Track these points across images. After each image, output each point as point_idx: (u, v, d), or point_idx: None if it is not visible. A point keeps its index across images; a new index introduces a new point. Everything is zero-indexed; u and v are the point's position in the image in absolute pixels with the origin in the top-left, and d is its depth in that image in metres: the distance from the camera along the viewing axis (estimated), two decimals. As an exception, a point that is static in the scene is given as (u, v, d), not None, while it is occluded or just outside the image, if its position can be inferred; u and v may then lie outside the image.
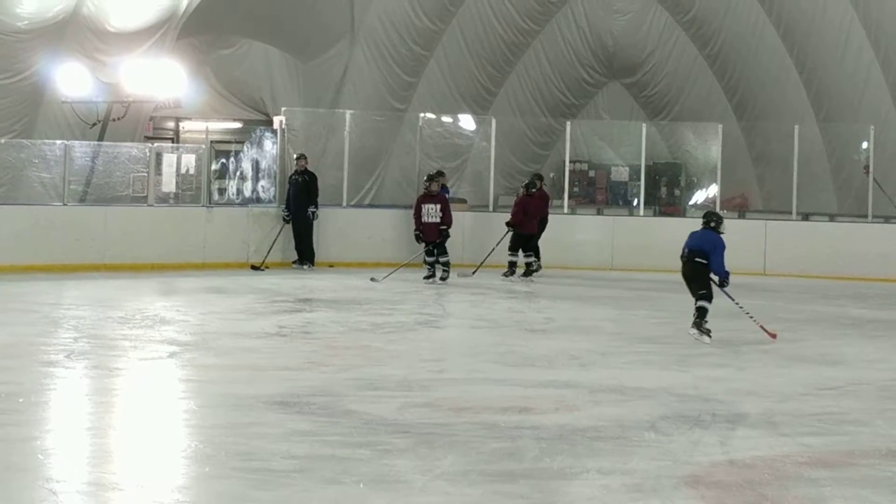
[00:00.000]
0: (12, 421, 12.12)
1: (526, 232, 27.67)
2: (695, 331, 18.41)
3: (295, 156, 28.54)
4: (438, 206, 26.57)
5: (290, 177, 29.03)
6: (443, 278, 26.43)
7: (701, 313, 18.53)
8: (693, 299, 18.63)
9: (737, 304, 19.47)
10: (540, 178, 29.48)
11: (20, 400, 13.17)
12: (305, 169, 28.42)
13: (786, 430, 11.74)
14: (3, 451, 10.83)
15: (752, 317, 19.55)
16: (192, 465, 10.56)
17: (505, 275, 27.53)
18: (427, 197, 26.99)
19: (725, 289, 19.18)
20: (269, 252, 28.01)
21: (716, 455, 10.61)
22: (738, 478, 9.78)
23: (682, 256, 19.34)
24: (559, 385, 14.23)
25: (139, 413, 13.32)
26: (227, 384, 14.43)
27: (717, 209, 30.93)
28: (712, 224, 19.71)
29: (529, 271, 27.48)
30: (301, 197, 28.27)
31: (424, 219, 26.34)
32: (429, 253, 26.35)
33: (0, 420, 12.05)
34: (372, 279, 25.72)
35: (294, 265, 28.01)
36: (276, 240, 28.34)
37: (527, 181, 28.80)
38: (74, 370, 15.88)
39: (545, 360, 16.01)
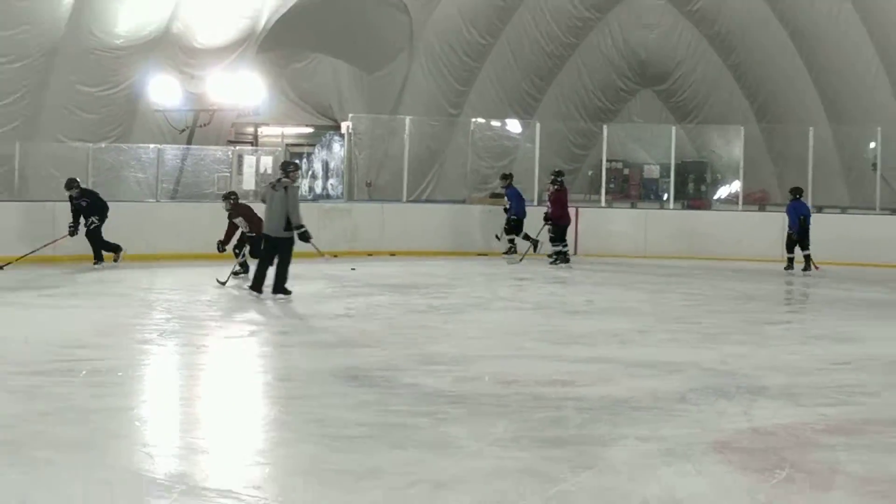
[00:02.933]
0: (112, 392, 12.50)
1: (564, 224, 28.09)
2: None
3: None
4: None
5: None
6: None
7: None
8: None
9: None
10: (561, 174, 29.37)
11: (119, 374, 13.47)
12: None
13: (804, 401, 11.92)
14: (105, 419, 11.10)
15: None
16: (272, 430, 10.98)
17: (556, 258, 27.73)
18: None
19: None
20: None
21: (740, 423, 10.73)
22: (761, 444, 9.93)
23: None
24: (599, 361, 14.25)
25: (224, 385, 13.69)
26: (301, 359, 14.70)
27: (740, 203, 32.47)
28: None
29: (567, 258, 27.77)
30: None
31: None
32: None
33: (101, 392, 12.43)
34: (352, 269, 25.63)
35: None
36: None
37: (553, 177, 28.74)
38: (166, 347, 16.17)
39: (586, 339, 16.15)
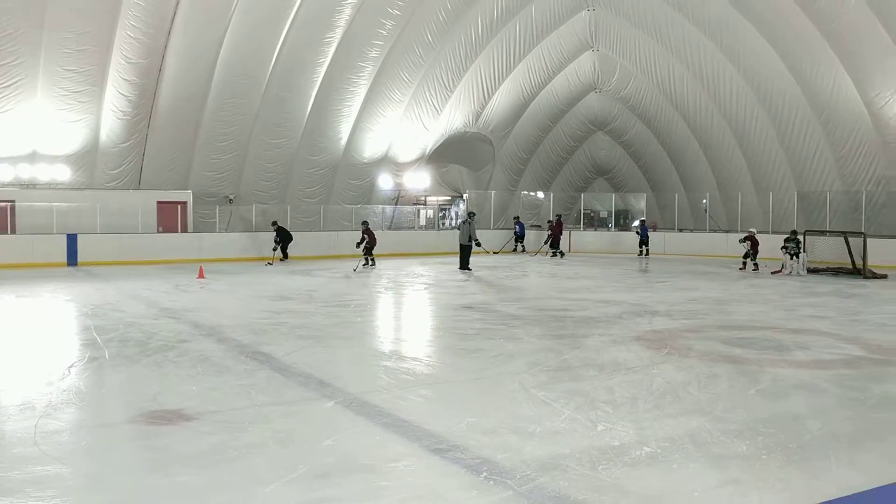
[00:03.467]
0: (364, 314, 12.63)
1: (558, 238, 27.21)
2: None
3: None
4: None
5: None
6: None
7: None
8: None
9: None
10: (559, 216, 29.07)
11: (367, 306, 13.70)
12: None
13: (675, 317, 11.60)
14: (362, 326, 11.50)
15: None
16: (431, 333, 10.99)
17: (554, 255, 26.62)
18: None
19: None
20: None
21: (646, 327, 10.58)
22: (656, 337, 9.81)
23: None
24: (581, 300, 13.91)
25: (413, 311, 13.66)
26: (446, 299, 14.54)
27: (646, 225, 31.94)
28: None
29: (560, 254, 26.65)
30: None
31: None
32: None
33: (359, 313, 12.57)
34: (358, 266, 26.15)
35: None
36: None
37: (556, 217, 28.44)
38: (387, 294, 15.78)
39: (574, 290, 15.73)
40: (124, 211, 23.62)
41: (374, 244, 21.52)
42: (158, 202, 24.96)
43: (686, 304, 13.43)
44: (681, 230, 30.67)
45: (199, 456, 5.04)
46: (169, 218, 24.78)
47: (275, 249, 22.72)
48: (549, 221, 29.01)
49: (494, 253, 26.03)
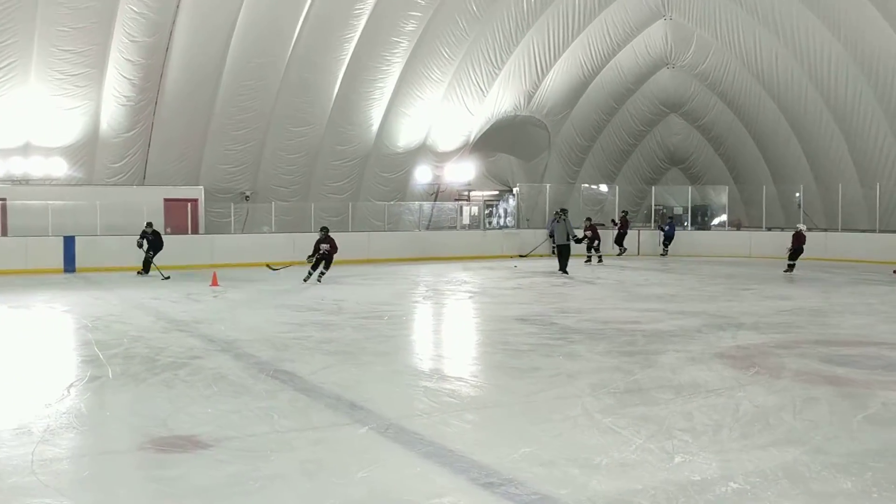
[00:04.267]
0: (401, 326, 12.99)
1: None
2: None
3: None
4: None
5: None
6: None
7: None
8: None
9: None
10: (626, 213, 29.06)
11: (403, 317, 13.98)
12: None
13: (764, 331, 11.45)
14: (398, 341, 11.81)
15: None
16: (477, 349, 11.07)
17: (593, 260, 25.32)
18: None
19: None
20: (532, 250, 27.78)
21: (730, 343, 10.50)
22: (741, 353, 9.71)
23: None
24: (653, 310, 13.76)
25: (456, 324, 13.81)
26: (494, 309, 14.63)
27: (726, 227, 31.59)
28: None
29: (599, 258, 25.32)
30: None
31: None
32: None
33: (395, 326, 12.82)
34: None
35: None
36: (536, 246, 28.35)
37: (622, 214, 28.48)
38: (425, 304, 15.99)
39: (644, 299, 15.61)
40: (127, 210, 23.77)
41: (333, 255, 19.52)
42: (166, 200, 25.36)
43: (777, 316, 13.26)
44: (769, 228, 30.11)
45: (215, 488, 5.12)
46: (178, 217, 25.11)
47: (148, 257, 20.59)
48: (612, 220, 28.93)
49: (521, 257, 26.22)
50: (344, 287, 18.34)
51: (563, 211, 22.90)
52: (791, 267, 21.85)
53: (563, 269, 21.57)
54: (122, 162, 25.36)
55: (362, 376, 8.60)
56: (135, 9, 23.18)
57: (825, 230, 28.25)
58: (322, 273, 18.92)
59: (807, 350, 9.96)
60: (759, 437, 6.22)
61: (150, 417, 6.81)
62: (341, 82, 27.31)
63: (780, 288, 18.07)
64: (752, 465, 5.51)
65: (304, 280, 18.70)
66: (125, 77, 24.15)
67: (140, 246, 20.33)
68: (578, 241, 22.44)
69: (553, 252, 27.85)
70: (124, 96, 24.42)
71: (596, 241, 25.39)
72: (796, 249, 22.09)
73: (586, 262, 24.96)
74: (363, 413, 6.89)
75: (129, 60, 23.93)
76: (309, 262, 18.95)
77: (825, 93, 28.46)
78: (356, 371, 8.83)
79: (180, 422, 6.67)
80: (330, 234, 19.23)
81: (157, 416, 6.81)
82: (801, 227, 23.39)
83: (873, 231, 26.20)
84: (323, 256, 18.95)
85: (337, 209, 27.75)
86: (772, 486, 5.12)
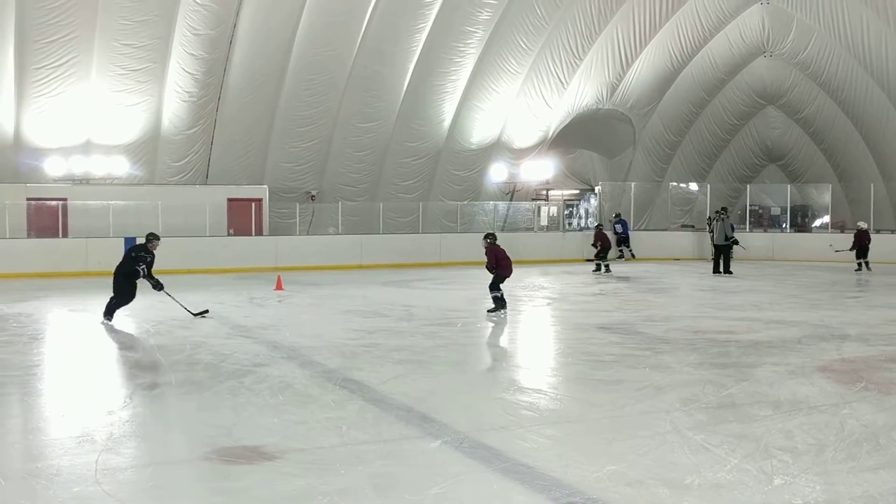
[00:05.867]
0: (476, 333, 12.76)
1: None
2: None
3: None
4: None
5: None
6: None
7: None
8: None
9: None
10: (723, 209, 28.74)
11: (478, 325, 13.60)
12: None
13: (872, 343, 11.27)
14: (474, 349, 11.68)
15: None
16: (557, 359, 10.98)
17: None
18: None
19: None
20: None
21: (834, 355, 10.32)
22: (847, 368, 9.53)
23: None
24: (747, 319, 13.57)
25: (534, 332, 13.80)
26: (574, 317, 14.66)
27: (829, 229, 30.82)
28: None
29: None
30: None
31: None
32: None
33: (470, 333, 12.75)
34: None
35: None
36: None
37: (715, 213, 27.57)
38: (502, 311, 15.03)
39: (739, 307, 15.45)
40: (190, 210, 24.28)
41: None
42: (229, 199, 25.80)
43: (887, 326, 12.97)
44: (878, 230, 29.44)
45: (281, 501, 5.19)
46: (241, 218, 25.56)
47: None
48: (708, 218, 28.40)
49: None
50: (414, 291, 18.45)
51: (724, 210, 24.08)
52: (861, 265, 23.32)
53: (726, 270, 22.70)
54: (185, 160, 25.97)
55: (435, 387, 8.64)
56: (198, 0, 23.69)
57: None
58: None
59: (922, 364, 9.69)
60: (868, 459, 6.07)
61: (214, 426, 6.96)
62: (412, 75, 27.52)
63: (889, 296, 17.66)
64: (859, 488, 5.39)
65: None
66: (188, 72, 24.74)
67: (146, 276, 13.33)
68: (736, 242, 23.45)
69: (622, 256, 27.66)
70: (186, 92, 25.00)
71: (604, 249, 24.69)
72: (861, 248, 23.67)
73: (594, 270, 24.21)
74: (436, 426, 6.92)
75: (192, 55, 24.52)
76: None
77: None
78: (428, 381, 8.88)
79: (245, 432, 6.79)
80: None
81: (221, 426, 6.96)
82: (863, 224, 24.85)
83: None
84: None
85: (407, 209, 28.05)
86: (883, 512, 5.00)
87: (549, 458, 6.13)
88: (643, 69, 31.08)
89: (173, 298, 13.59)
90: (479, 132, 29.92)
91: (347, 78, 26.60)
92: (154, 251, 13.25)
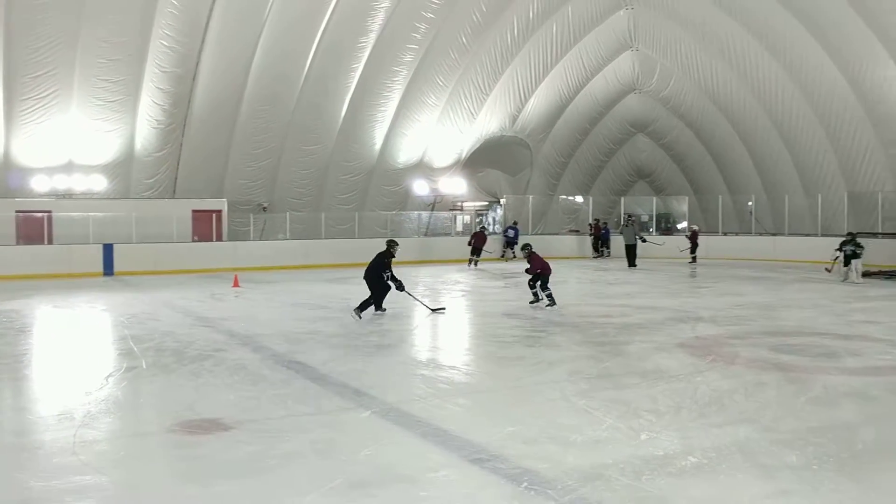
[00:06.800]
0: (410, 326, 12.68)
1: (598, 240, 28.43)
2: None
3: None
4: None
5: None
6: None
7: None
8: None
9: None
10: (598, 220, 29.27)
11: (402, 314, 13.33)
12: None
13: (720, 323, 11.53)
14: (382, 356, 11.70)
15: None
16: (469, 341, 11.19)
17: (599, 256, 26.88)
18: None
19: None
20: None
21: (690, 334, 10.53)
22: (700, 344, 9.79)
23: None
24: (622, 305, 13.76)
25: (449, 319, 13.32)
26: (484, 306, 14.62)
27: (685, 233, 31.40)
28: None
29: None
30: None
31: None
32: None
33: (391, 327, 12.51)
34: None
35: None
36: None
37: (594, 221, 28.93)
38: (423, 302, 15.38)
39: (614, 297, 15.67)
40: (160, 220, 23.94)
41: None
42: (193, 211, 25.30)
43: (732, 310, 13.26)
44: (725, 234, 30.22)
45: (236, 465, 5.11)
46: (204, 226, 25.10)
47: None
48: (589, 224, 28.94)
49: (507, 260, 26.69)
50: (352, 287, 18.26)
51: (630, 216, 26.16)
52: (694, 259, 25.37)
53: (631, 264, 23.62)
54: (155, 178, 25.34)
55: (367, 366, 8.58)
56: (165, 43, 23.27)
57: (774, 235, 28.34)
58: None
59: (757, 340, 9.99)
60: (715, 417, 6.23)
61: (178, 403, 6.81)
62: (348, 106, 27.32)
63: (733, 286, 18.08)
64: (708, 441, 5.52)
65: None
66: (156, 103, 24.19)
67: (390, 278, 13.08)
68: (644, 240, 24.65)
69: (504, 256, 27.84)
70: (156, 120, 24.45)
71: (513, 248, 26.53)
72: (694, 245, 25.96)
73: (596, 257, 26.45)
74: (367, 399, 6.88)
75: (160, 88, 23.98)
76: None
77: (772, 113, 28.44)
78: (361, 362, 8.82)
79: (205, 407, 6.66)
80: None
81: (184, 402, 6.81)
82: (695, 226, 27.36)
83: (816, 235, 26.23)
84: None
85: (345, 218, 27.80)
86: (726, 459, 5.13)
87: (461, 422, 6.15)
88: (538, 103, 31.32)
89: (414, 297, 13.63)
90: (405, 154, 29.76)
91: (294, 107, 26.28)
92: (394, 254, 13.09)
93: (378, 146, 28.90)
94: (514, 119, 31.39)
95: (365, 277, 12.87)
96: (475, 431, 5.79)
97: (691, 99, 31.20)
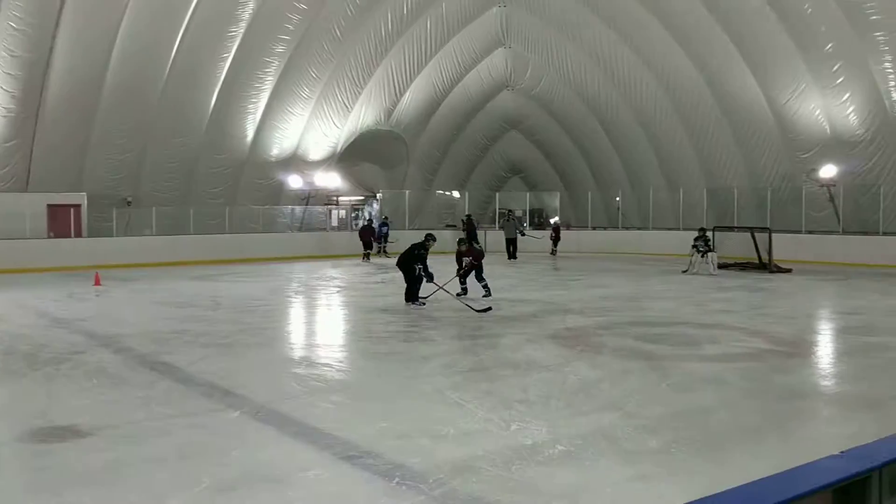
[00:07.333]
0: (275, 319, 12.91)
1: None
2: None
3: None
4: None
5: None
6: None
7: None
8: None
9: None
10: (469, 215, 29.06)
11: (275, 311, 13.54)
12: None
13: (588, 314, 11.91)
14: (272, 332, 11.79)
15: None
16: (346, 335, 10.97)
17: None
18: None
19: None
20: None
21: (560, 325, 10.82)
22: (570, 335, 10.09)
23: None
24: (496, 299, 13.72)
25: (325, 315, 13.48)
26: (359, 301, 14.56)
27: (551, 227, 32.31)
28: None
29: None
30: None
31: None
32: None
33: (268, 318, 12.81)
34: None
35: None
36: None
37: (465, 216, 29.27)
38: (297, 299, 15.71)
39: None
40: (10, 216, 22.46)
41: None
42: (49, 205, 23.92)
43: (599, 302, 13.74)
44: (594, 228, 31.27)
45: (93, 473, 4.87)
46: (62, 222, 23.74)
47: None
48: (461, 220, 29.34)
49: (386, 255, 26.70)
50: (221, 284, 17.84)
51: (511, 212, 26.87)
52: (554, 252, 26.62)
53: (512, 256, 24.48)
54: (5, 170, 23.68)
55: (236, 366, 8.38)
56: (14, 25, 21.77)
57: (640, 229, 29.61)
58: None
59: (623, 330, 10.39)
60: (582, 406, 6.45)
61: (29, 411, 6.40)
62: (217, 96, 26.50)
63: (601, 278, 18.75)
64: (575, 429, 5.70)
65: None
66: (6, 90, 22.62)
67: (423, 271, 13.63)
68: (523, 234, 25.47)
69: (379, 252, 27.87)
70: (5, 108, 22.85)
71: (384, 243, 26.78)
72: (557, 239, 27.46)
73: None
74: (236, 399, 6.70)
75: (10, 74, 22.44)
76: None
77: (637, 111, 29.70)
78: (231, 361, 8.60)
79: (60, 413, 6.29)
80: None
81: (36, 409, 6.40)
82: (557, 220, 29.30)
83: (677, 229, 27.59)
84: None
85: (215, 213, 26.92)
86: (591, 446, 5.32)
87: (333, 420, 6.09)
88: (413, 97, 31.42)
89: (454, 295, 13.62)
90: (278, 146, 29.16)
91: (159, 97, 25.20)
92: (428, 248, 13.44)
93: (250, 138, 28.20)
94: (389, 113, 31.36)
95: (398, 265, 13.61)
96: (348, 429, 5.74)
97: (562, 96, 32.03)
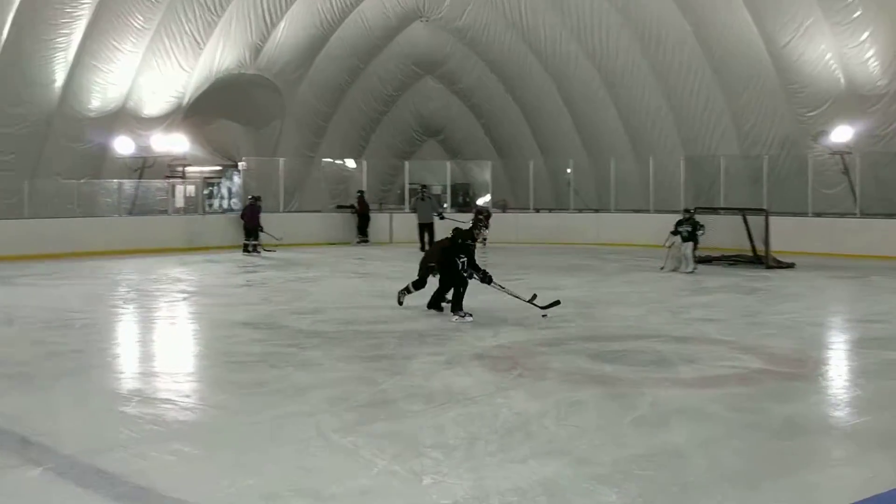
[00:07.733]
0: (94, 338, 12.70)
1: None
2: None
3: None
4: None
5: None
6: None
7: None
8: None
9: None
10: (361, 192, 30.32)
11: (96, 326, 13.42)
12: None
13: (529, 327, 12.02)
14: (88, 356, 11.59)
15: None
16: (196, 359, 11.00)
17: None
18: None
19: None
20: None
21: (491, 342, 10.99)
22: (503, 354, 10.26)
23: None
24: (403, 308, 13.74)
25: (166, 332, 13.43)
26: (215, 313, 14.58)
27: (490, 207, 32.63)
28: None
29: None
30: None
31: None
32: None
33: (88, 337, 12.56)
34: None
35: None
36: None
37: (357, 194, 30.17)
38: (128, 309, 15.62)
39: (392, 296, 14.73)
40: None
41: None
42: None
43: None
44: (538, 210, 31.61)
45: None
46: None
47: None
48: (357, 196, 29.66)
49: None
50: (18, 289, 17.32)
51: (424, 188, 27.14)
52: (484, 241, 27.13)
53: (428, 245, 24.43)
54: None
55: (39, 403, 8.18)
56: None
57: (598, 211, 30.11)
58: None
59: (574, 347, 10.56)
60: (518, 450, 6.50)
61: None
62: (11, 24, 25.58)
63: (547, 277, 18.97)
64: (509, 481, 5.75)
65: None
66: None
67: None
68: (442, 217, 25.44)
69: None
70: None
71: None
72: (483, 222, 27.15)
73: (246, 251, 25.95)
74: (38, 450, 6.56)
75: None
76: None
77: (595, 57, 30.09)
78: (28, 398, 8.37)
79: None
80: None
81: None
82: (486, 199, 30.43)
83: (647, 211, 28.01)
84: None
85: (9, 190, 26.03)
86: (530, 504, 5.37)
87: (174, 476, 6.00)
88: (289, 30, 31.05)
89: (512, 293, 13.63)
90: (100, 97, 28.39)
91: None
92: (479, 231, 13.89)
93: (59, 85, 27.38)
94: (257, 51, 31.00)
95: (427, 259, 13.84)
96: (194, 488, 5.67)
97: (494, 32, 32.21)
